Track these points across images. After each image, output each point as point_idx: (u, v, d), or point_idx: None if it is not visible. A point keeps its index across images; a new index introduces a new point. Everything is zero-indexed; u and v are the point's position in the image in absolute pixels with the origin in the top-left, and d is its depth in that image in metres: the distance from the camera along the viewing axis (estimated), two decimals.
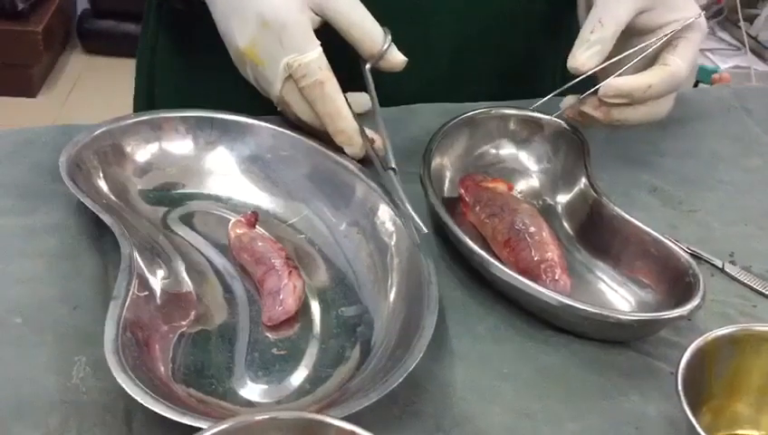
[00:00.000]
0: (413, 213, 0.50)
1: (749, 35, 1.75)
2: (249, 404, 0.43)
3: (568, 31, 0.59)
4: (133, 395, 0.38)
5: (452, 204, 0.57)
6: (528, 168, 0.61)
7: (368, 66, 0.56)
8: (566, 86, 0.58)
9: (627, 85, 0.55)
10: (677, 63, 0.56)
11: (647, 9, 0.56)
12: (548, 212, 0.58)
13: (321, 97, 0.53)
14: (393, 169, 0.53)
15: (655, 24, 0.57)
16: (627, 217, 0.54)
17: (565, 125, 0.61)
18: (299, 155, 0.56)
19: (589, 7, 0.58)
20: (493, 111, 0.61)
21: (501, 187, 0.58)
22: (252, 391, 0.44)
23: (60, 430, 0.40)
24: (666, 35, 0.57)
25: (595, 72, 0.57)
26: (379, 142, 0.55)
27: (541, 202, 0.59)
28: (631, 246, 0.53)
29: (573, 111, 0.59)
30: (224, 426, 0.33)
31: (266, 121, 0.57)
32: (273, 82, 0.53)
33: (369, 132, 0.55)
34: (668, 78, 0.56)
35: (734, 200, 0.63)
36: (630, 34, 0.57)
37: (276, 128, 0.57)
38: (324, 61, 0.52)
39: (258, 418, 0.33)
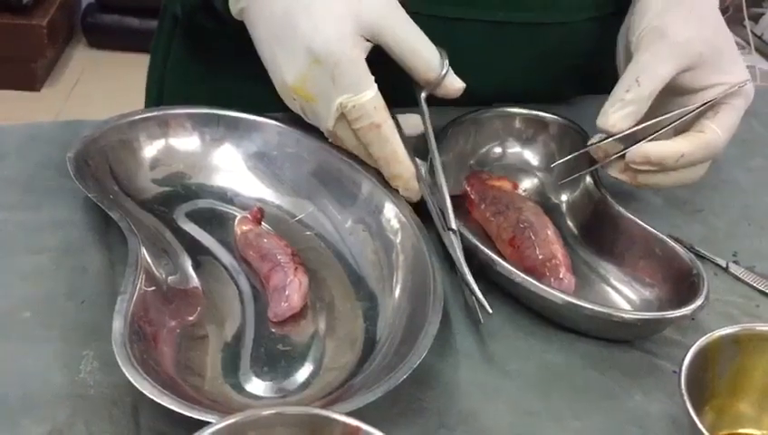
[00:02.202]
0: (477, 290, 0.46)
1: (754, 34, 1.75)
2: (255, 399, 0.44)
3: (604, 85, 0.55)
4: (141, 389, 0.39)
5: (457, 201, 0.57)
6: (533, 166, 0.61)
7: (423, 95, 0.52)
8: (590, 147, 0.54)
9: (657, 153, 0.51)
10: (715, 132, 0.52)
11: (690, 68, 0.52)
12: (552, 211, 0.58)
13: (377, 140, 0.50)
14: (453, 230, 0.49)
15: (698, 84, 0.53)
16: (631, 216, 0.54)
17: (570, 123, 0.61)
18: (305, 152, 0.56)
19: (628, 58, 0.54)
20: (498, 110, 0.61)
21: (506, 185, 0.58)
22: (257, 386, 0.44)
23: (67, 424, 0.41)
24: (707, 103, 0.52)
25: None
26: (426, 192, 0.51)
27: (545, 201, 0.59)
28: (635, 245, 0.53)
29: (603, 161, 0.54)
30: (231, 420, 0.33)
31: (272, 119, 0.57)
32: (325, 119, 0.50)
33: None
34: (703, 147, 0.51)
35: (737, 200, 0.63)
36: (670, 93, 0.53)
37: (282, 125, 0.57)
38: (380, 100, 0.49)
39: (265, 413, 0.34)
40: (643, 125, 0.52)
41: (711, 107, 0.53)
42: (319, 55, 0.48)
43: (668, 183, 0.53)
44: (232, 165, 0.57)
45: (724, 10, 0.60)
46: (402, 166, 0.51)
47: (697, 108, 0.53)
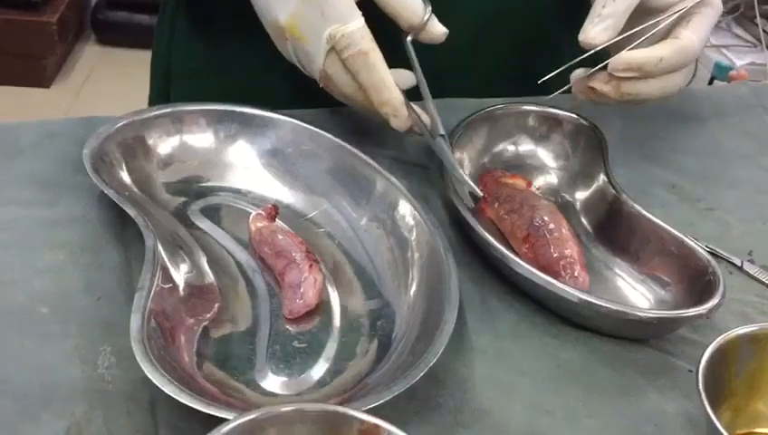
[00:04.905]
0: (467, 177, 0.51)
1: (765, 32, 1.74)
2: (270, 396, 0.44)
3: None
4: (159, 385, 0.39)
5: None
6: (546, 164, 0.61)
7: (409, 38, 0.55)
8: (575, 61, 0.56)
9: (637, 58, 0.54)
10: (689, 37, 0.55)
11: None
12: (566, 209, 0.58)
13: (364, 67, 0.52)
14: (443, 135, 0.53)
15: (668, 1, 0.56)
16: (645, 214, 0.54)
17: (584, 121, 0.61)
18: (319, 149, 0.56)
19: None
20: (511, 108, 0.61)
21: (520, 183, 0.58)
22: (273, 382, 0.45)
23: (85, 419, 0.41)
24: (678, 12, 0.56)
25: (606, 49, 0.56)
26: (425, 117, 0.54)
27: (559, 199, 0.59)
28: (650, 243, 0.53)
29: (582, 86, 0.57)
30: (251, 416, 0.33)
31: (287, 116, 0.57)
32: (315, 56, 0.53)
33: (414, 106, 0.54)
34: (680, 51, 0.55)
35: (752, 198, 0.63)
36: (643, 12, 0.56)
37: (297, 122, 0.57)
38: (367, 31, 0.52)
39: (284, 409, 0.34)
40: (621, 36, 0.55)
41: (682, 17, 0.56)
42: None
43: (649, 91, 0.56)
44: (246, 162, 0.57)
45: (735, 8, 0.60)
46: (390, 92, 0.52)
47: (670, 15, 0.56)
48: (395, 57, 0.54)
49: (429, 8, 0.54)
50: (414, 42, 0.55)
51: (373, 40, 0.52)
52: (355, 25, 0.51)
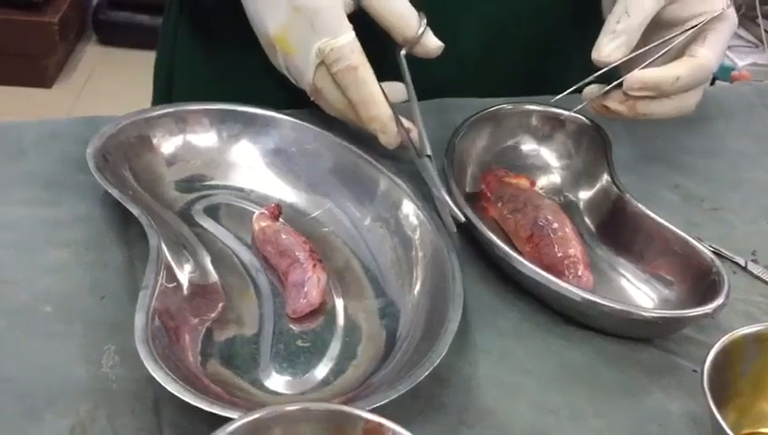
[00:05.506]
0: (449, 201, 0.50)
1: (767, 32, 1.74)
2: (274, 395, 0.44)
3: (595, 35, 0.58)
4: (164, 384, 0.39)
5: (474, 199, 0.57)
6: (550, 164, 0.61)
7: (403, 52, 0.54)
8: (589, 79, 0.56)
9: (653, 77, 0.53)
10: (706, 55, 0.54)
11: (674, 0, 0.55)
12: (569, 208, 0.58)
13: (353, 82, 0.51)
14: (429, 156, 0.53)
15: (682, 16, 0.56)
16: (649, 214, 0.54)
17: (587, 121, 0.61)
18: (322, 149, 0.56)
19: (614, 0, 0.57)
20: (515, 107, 0.61)
21: (523, 182, 0.58)
22: (277, 382, 0.45)
23: (90, 419, 0.41)
24: (692, 27, 0.55)
25: (618, 66, 0.55)
26: (414, 133, 0.53)
27: (562, 198, 0.59)
28: (654, 243, 0.53)
29: (597, 104, 0.56)
30: (256, 416, 0.33)
31: (290, 115, 0.57)
32: (305, 70, 0.52)
33: (404, 121, 0.54)
34: (697, 69, 0.54)
35: (756, 198, 0.63)
36: (657, 27, 0.56)
37: (300, 121, 0.57)
38: (357, 45, 0.51)
39: (289, 408, 0.34)
40: (636, 53, 0.54)
41: (698, 34, 0.56)
42: (299, 4, 0.51)
43: (664, 111, 0.55)
44: (249, 161, 0.57)
45: (736, 8, 0.60)
46: (379, 108, 0.52)
47: (685, 32, 0.55)
48: (386, 70, 0.53)
49: (424, 21, 0.53)
50: (408, 56, 0.54)
51: (363, 54, 0.51)
52: (345, 39, 0.50)
